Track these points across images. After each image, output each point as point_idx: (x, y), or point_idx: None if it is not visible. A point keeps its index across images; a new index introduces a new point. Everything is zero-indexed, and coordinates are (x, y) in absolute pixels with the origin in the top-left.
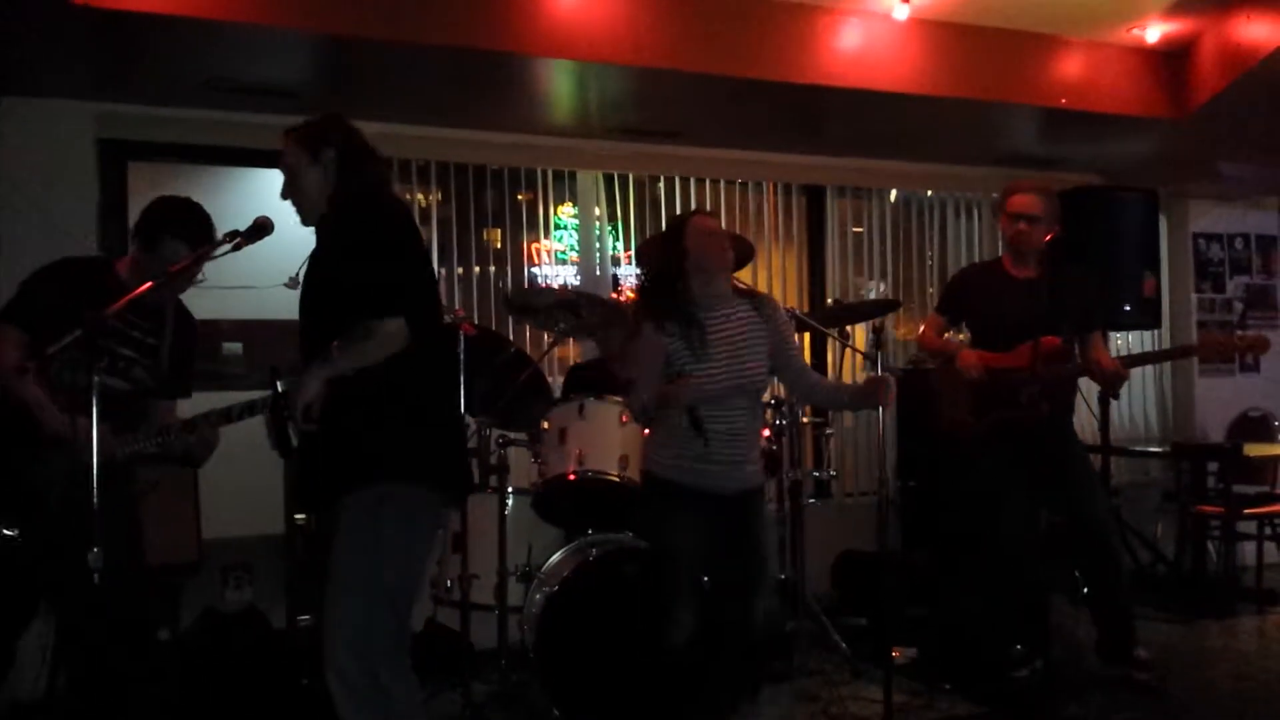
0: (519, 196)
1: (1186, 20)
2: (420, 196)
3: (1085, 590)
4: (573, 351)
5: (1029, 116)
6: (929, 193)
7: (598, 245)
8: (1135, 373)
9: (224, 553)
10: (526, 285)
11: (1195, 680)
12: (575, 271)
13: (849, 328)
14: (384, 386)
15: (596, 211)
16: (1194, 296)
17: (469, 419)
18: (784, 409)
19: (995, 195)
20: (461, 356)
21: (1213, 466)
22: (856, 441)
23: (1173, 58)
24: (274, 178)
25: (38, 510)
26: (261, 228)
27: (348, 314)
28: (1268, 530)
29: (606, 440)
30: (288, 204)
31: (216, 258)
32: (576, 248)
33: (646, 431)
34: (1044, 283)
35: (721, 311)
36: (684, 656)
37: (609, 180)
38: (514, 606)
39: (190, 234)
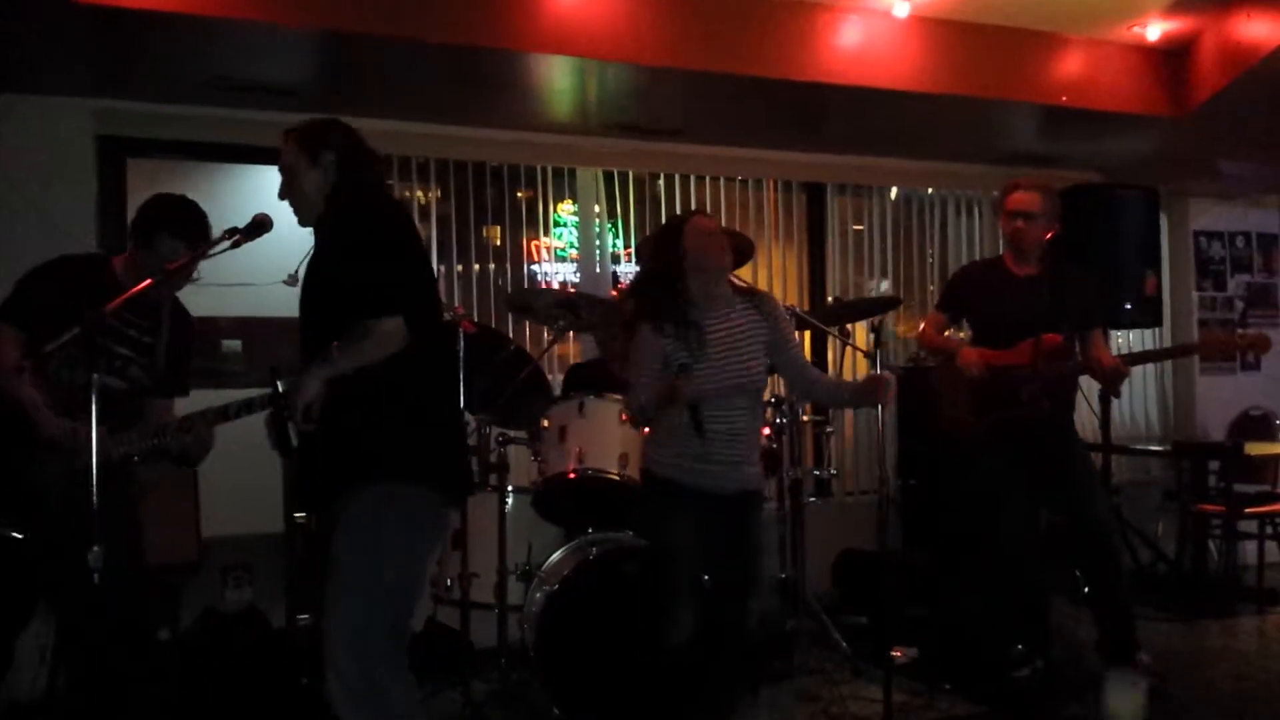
0: (519, 194)
1: (1187, 18)
2: (420, 194)
3: (1086, 590)
4: (573, 349)
5: (1029, 114)
6: (929, 190)
7: (597, 243)
8: (1136, 371)
9: (224, 552)
10: (526, 284)
11: (1195, 680)
12: (575, 269)
13: (849, 326)
14: (383, 386)
15: (596, 209)
16: (1195, 295)
17: (469, 417)
18: (784, 407)
19: (996, 193)
20: (461, 354)
21: (1214, 465)
22: (857, 440)
23: (1173, 55)
24: (273, 175)
25: (37, 510)
26: (260, 225)
27: (347, 313)
28: (1269, 529)
29: (607, 439)
30: (286, 202)
31: (215, 255)
32: (576, 245)
33: (646, 430)
34: (1045, 280)
35: (720, 311)
36: (684, 656)
37: (609, 177)
38: (514, 605)
39: (186, 232)
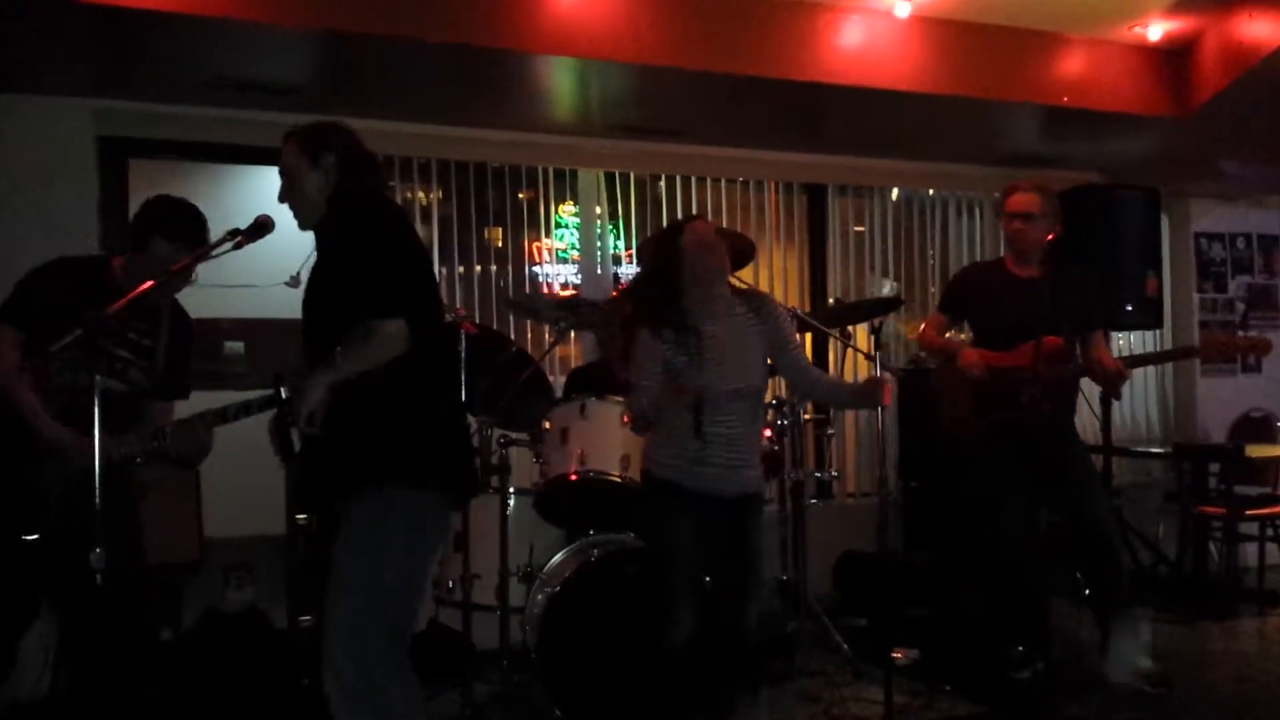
0: (520, 195)
1: (1188, 18)
2: (421, 194)
3: (1086, 591)
4: (574, 351)
5: (1030, 115)
6: (930, 191)
7: (599, 244)
8: (1137, 373)
9: (225, 552)
10: (528, 286)
11: (1196, 681)
12: (576, 270)
13: (850, 327)
14: (385, 389)
15: (598, 210)
16: (1196, 296)
17: (470, 418)
18: (785, 409)
19: (997, 194)
20: (463, 356)
21: (1214, 467)
22: (858, 442)
23: (1174, 56)
24: (275, 175)
25: (38, 511)
26: (262, 226)
27: (349, 316)
28: (1269, 531)
29: (608, 440)
30: (286, 205)
31: (217, 256)
32: (577, 246)
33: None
34: (1046, 282)
35: (719, 316)
36: (684, 657)
37: (610, 178)
38: (515, 607)
39: (181, 234)
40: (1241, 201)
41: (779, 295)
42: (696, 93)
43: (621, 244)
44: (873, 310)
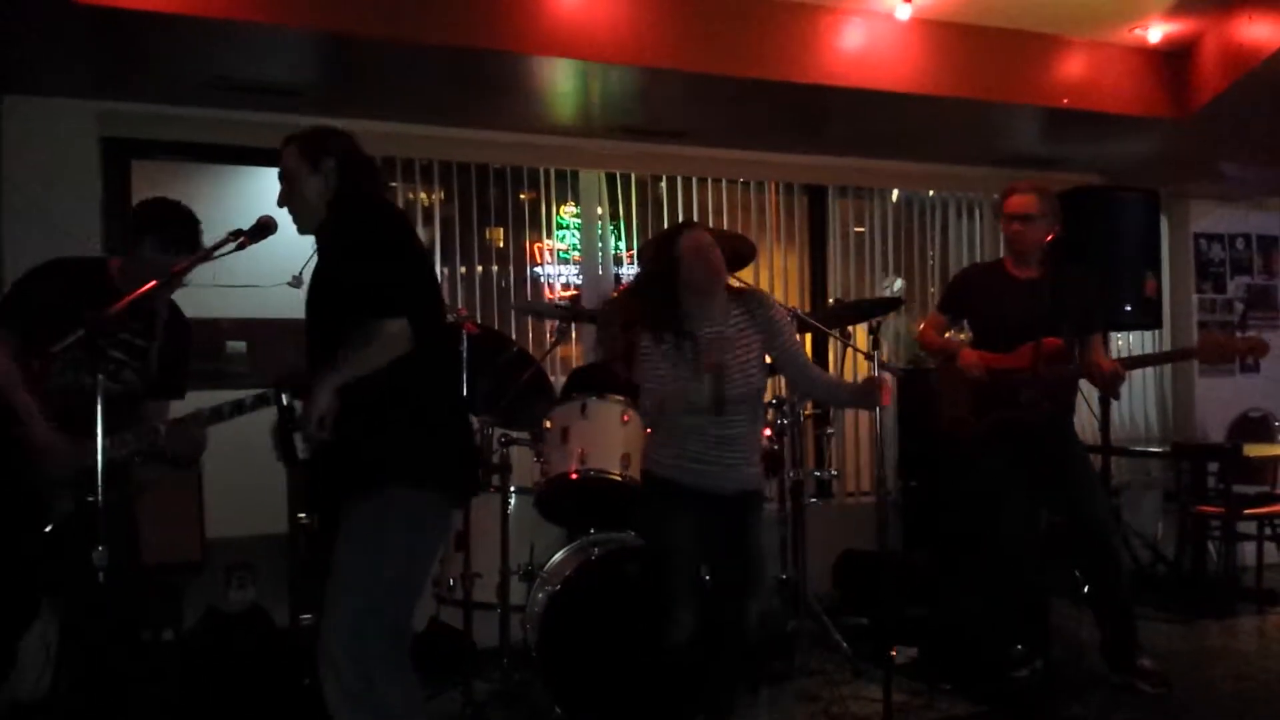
0: (521, 196)
1: (1188, 20)
2: (423, 195)
3: (1086, 590)
4: (575, 351)
5: (1031, 116)
6: (931, 193)
7: (600, 245)
8: (1136, 373)
9: (227, 552)
10: (529, 286)
11: (1195, 680)
12: (577, 271)
13: (850, 327)
14: (386, 389)
15: (599, 211)
16: (1195, 297)
17: (472, 418)
18: (785, 408)
19: (996, 195)
20: (464, 356)
21: (1213, 467)
22: (858, 441)
23: (1174, 58)
24: (277, 177)
25: (39, 511)
26: (265, 227)
27: (350, 316)
28: (1268, 530)
29: (609, 439)
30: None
31: (220, 257)
32: (579, 247)
33: (648, 431)
34: (1045, 284)
35: (715, 321)
36: (685, 656)
37: (611, 180)
38: (516, 605)
39: (171, 236)
40: (1241, 203)
41: (779, 296)
42: (698, 94)
43: (623, 245)
44: (872, 310)
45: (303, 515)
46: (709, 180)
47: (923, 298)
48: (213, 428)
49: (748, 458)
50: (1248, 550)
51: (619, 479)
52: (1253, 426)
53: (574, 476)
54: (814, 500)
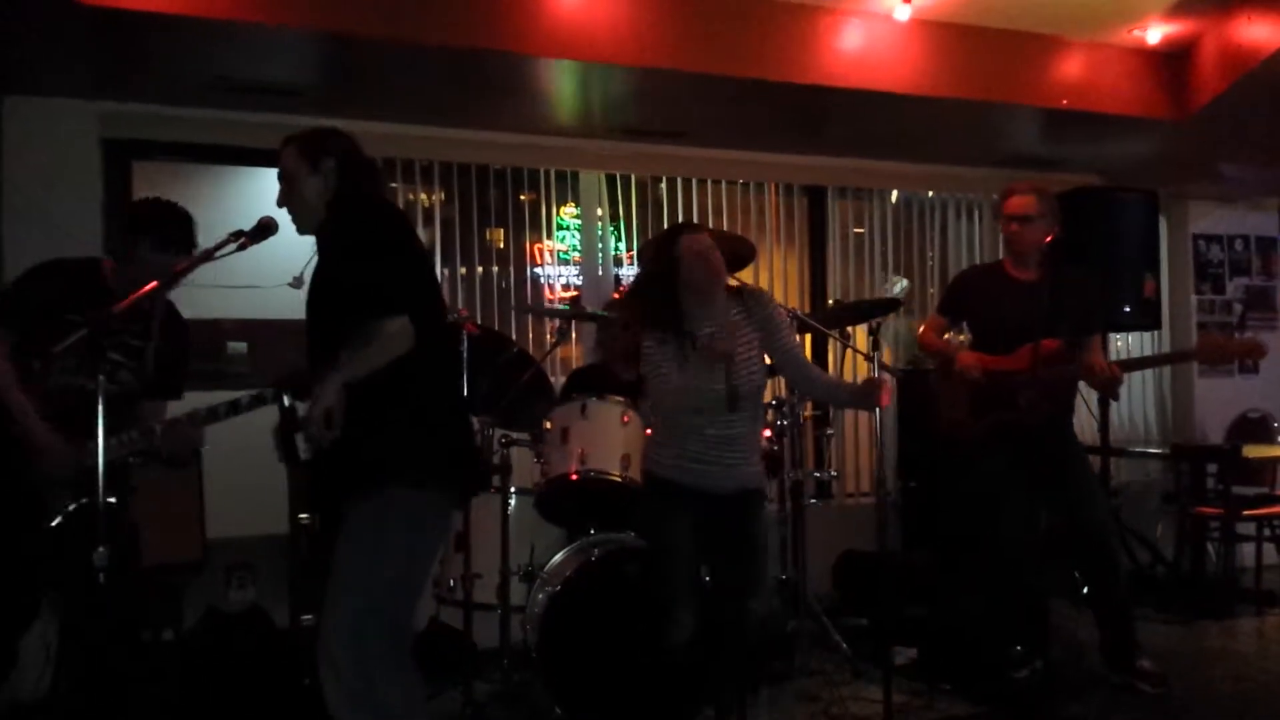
0: (521, 197)
1: (1187, 21)
2: (423, 196)
3: (1085, 591)
4: (575, 352)
5: (1030, 117)
6: (930, 193)
7: (600, 245)
8: (1135, 374)
9: (227, 552)
10: (529, 290)
11: (1194, 681)
12: (577, 272)
13: (850, 328)
14: (387, 389)
15: (599, 212)
16: (1194, 298)
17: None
18: (784, 410)
19: (996, 196)
20: (465, 356)
21: (1212, 468)
22: (857, 442)
23: (1173, 59)
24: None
25: (39, 510)
26: (266, 228)
27: (355, 315)
28: (1267, 532)
29: (609, 440)
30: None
31: (221, 257)
32: (579, 248)
33: (648, 432)
34: (1045, 285)
35: (715, 321)
36: (685, 656)
37: (611, 180)
38: (516, 606)
39: (168, 236)
40: (1239, 204)
41: (779, 297)
42: (697, 95)
43: (623, 246)
44: (872, 311)
45: (303, 515)
46: (709, 181)
47: (922, 299)
48: (214, 428)
49: (748, 457)
50: (1247, 551)
51: (619, 480)
52: (1252, 428)
53: (574, 477)
54: (814, 501)
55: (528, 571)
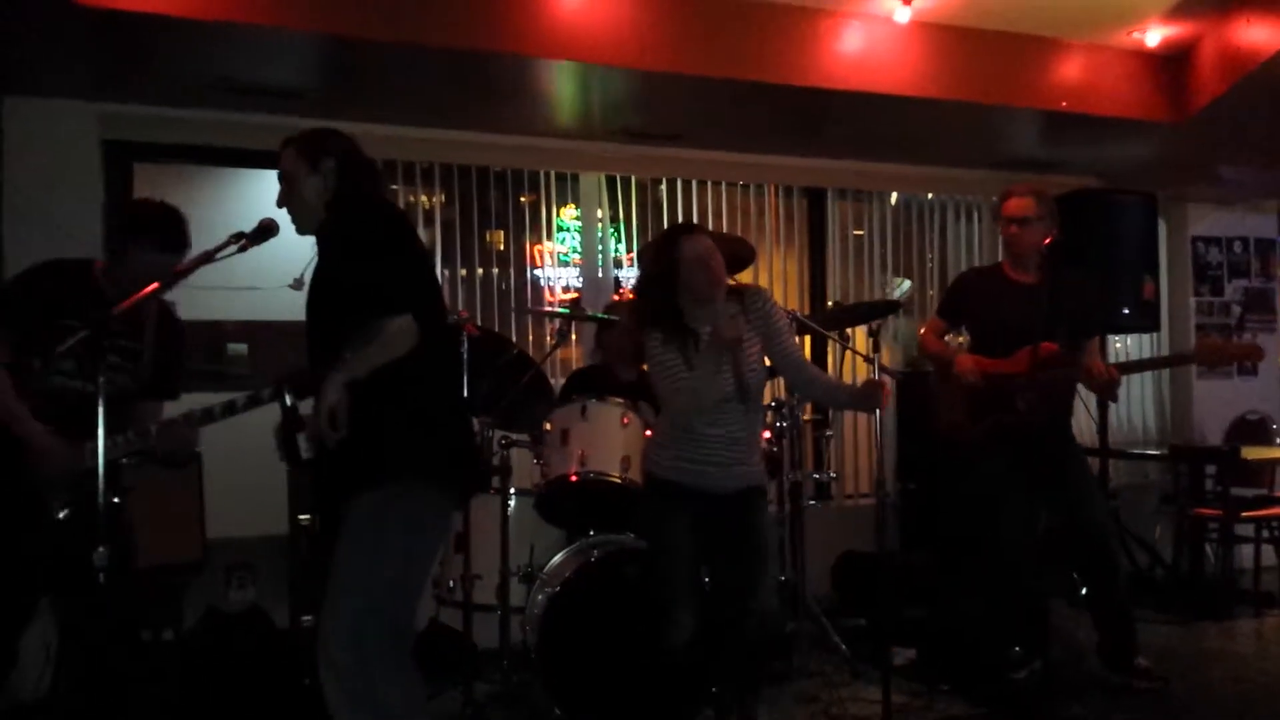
0: (521, 198)
1: (1186, 24)
2: (423, 198)
3: (1084, 592)
4: (575, 353)
5: (1029, 119)
6: (929, 195)
7: (600, 247)
8: (1133, 376)
9: (227, 552)
10: (530, 292)
11: (1193, 682)
12: (578, 273)
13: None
14: (386, 389)
15: (599, 213)
16: (1192, 300)
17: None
18: (784, 411)
19: (995, 198)
20: (465, 357)
21: (1211, 469)
22: (856, 444)
23: (1173, 61)
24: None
25: (38, 510)
26: (267, 229)
27: (355, 315)
28: (1265, 533)
29: (608, 442)
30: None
31: (222, 259)
32: (579, 250)
33: (648, 433)
34: (1043, 288)
35: (716, 322)
36: (684, 657)
37: (611, 182)
38: (516, 607)
39: (164, 237)
40: (1238, 206)
41: (779, 298)
42: (697, 97)
43: (623, 247)
44: (871, 313)
45: (303, 516)
46: (709, 183)
47: (921, 300)
48: (214, 429)
49: (748, 456)
50: (1245, 553)
51: (619, 481)
52: (1250, 429)
53: (574, 479)
54: (813, 502)
55: (527, 572)
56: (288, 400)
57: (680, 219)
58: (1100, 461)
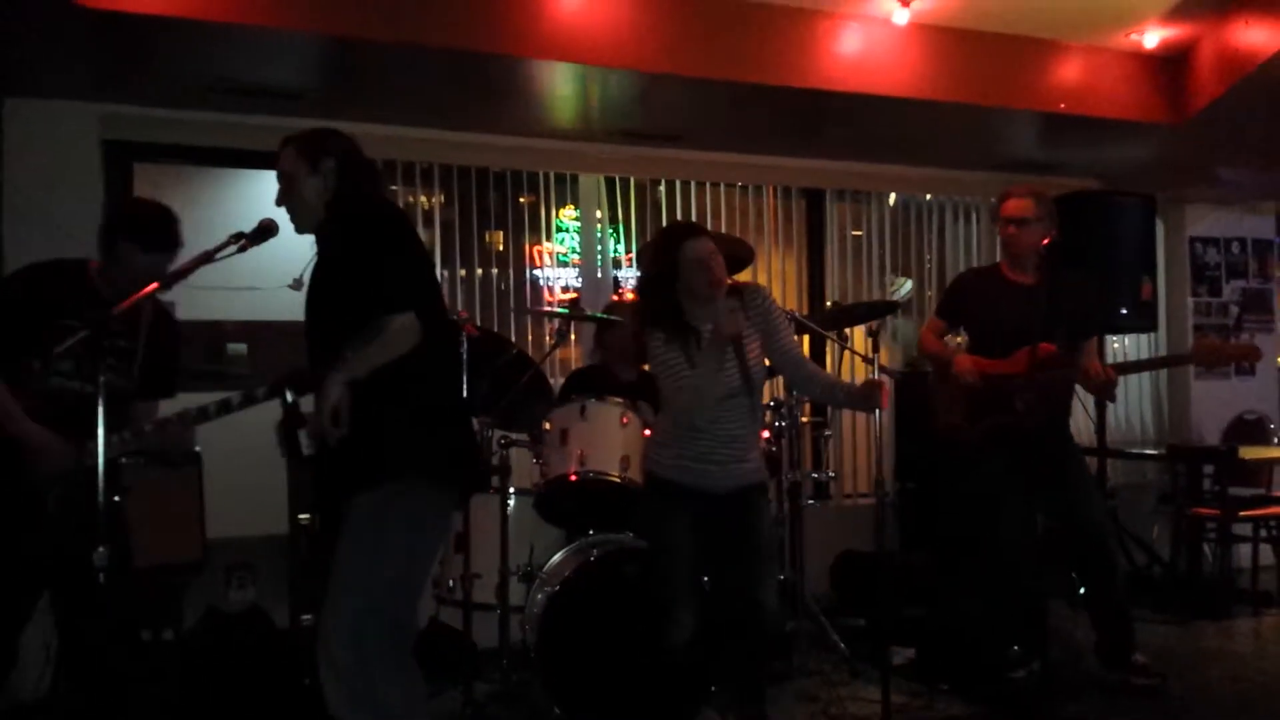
0: (521, 199)
1: (1185, 25)
2: (423, 199)
3: (1082, 592)
4: (574, 353)
5: (1028, 121)
6: (928, 196)
7: (599, 248)
8: (1132, 376)
9: (227, 552)
10: (529, 290)
11: (1192, 681)
12: (577, 274)
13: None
14: (387, 388)
15: (598, 214)
16: (1190, 300)
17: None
18: (783, 410)
19: (994, 199)
20: (464, 357)
21: (1208, 469)
22: (855, 443)
23: (1171, 63)
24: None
25: (37, 510)
26: (266, 229)
27: (357, 315)
28: (1263, 533)
29: (608, 441)
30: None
31: (221, 259)
32: (578, 250)
33: (647, 432)
34: (1042, 289)
35: (716, 320)
36: (684, 656)
37: (610, 183)
38: (516, 606)
39: (146, 238)
40: (1236, 207)
41: (777, 298)
42: (696, 99)
43: (622, 248)
44: (870, 313)
45: (303, 515)
46: (707, 184)
47: (920, 301)
48: (214, 428)
49: (748, 454)
50: (1243, 552)
51: (618, 481)
52: (1248, 429)
53: (573, 478)
54: (812, 502)
55: (527, 572)
56: (289, 397)
57: (679, 220)
58: (1098, 461)
